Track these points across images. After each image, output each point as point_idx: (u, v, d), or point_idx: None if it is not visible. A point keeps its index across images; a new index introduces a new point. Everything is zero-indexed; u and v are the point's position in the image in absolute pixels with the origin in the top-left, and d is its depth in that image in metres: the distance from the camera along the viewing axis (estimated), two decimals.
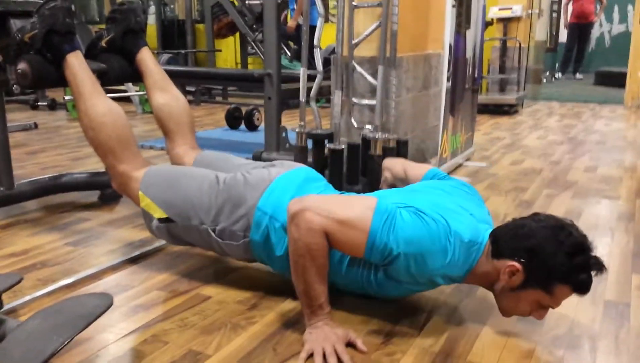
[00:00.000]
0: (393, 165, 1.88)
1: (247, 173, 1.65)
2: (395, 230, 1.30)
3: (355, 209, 1.35)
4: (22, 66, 1.87)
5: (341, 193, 1.68)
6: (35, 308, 1.53)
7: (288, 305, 1.57)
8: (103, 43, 2.07)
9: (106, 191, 2.51)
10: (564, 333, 1.44)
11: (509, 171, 3.22)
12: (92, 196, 2.54)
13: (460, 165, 3.32)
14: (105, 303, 1.55)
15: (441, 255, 1.31)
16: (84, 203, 2.51)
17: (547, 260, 1.29)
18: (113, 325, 1.46)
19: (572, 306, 1.57)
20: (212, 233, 1.61)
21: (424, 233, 1.30)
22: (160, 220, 1.68)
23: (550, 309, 1.37)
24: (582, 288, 1.30)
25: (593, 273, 1.29)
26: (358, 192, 2.32)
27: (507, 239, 1.36)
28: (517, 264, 1.32)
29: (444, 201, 1.44)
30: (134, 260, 1.89)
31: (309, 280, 1.33)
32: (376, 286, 1.48)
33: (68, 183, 2.46)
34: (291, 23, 5.95)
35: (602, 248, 2.02)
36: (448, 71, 2.94)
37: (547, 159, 3.53)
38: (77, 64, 1.85)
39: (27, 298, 1.59)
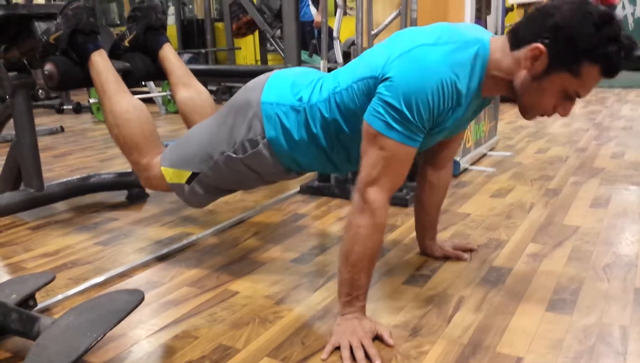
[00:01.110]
0: None
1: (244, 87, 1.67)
2: (397, 102, 1.25)
3: (371, 147, 1.31)
4: (48, 67, 1.90)
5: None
6: (67, 306, 1.57)
7: (315, 299, 1.58)
8: (126, 43, 2.09)
9: (133, 190, 2.55)
10: (594, 322, 1.42)
11: (535, 159, 3.18)
12: (120, 196, 2.58)
13: (484, 155, 3.29)
14: (136, 298, 1.58)
15: (441, 62, 1.24)
16: (113, 203, 2.55)
17: (574, 33, 1.19)
18: (144, 321, 1.49)
19: (602, 294, 1.55)
20: (234, 155, 1.59)
21: (415, 74, 1.24)
22: (188, 181, 1.69)
23: (580, 296, 1.35)
24: (612, 64, 1.21)
25: (622, 49, 1.20)
26: None
27: (527, 23, 1.27)
28: (540, 45, 1.22)
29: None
30: (162, 258, 1.91)
31: (359, 268, 1.33)
32: (426, 139, 1.39)
33: (96, 183, 2.50)
34: (317, 19, 5.94)
35: (631, 235, 1.99)
36: None
37: (572, 147, 3.48)
38: (101, 62, 1.88)
39: (60, 297, 1.63)
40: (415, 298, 1.56)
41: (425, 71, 1.25)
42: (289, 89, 1.54)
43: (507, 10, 5.37)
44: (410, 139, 1.30)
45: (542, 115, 1.35)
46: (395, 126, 1.28)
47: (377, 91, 1.31)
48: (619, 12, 10.02)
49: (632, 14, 10.26)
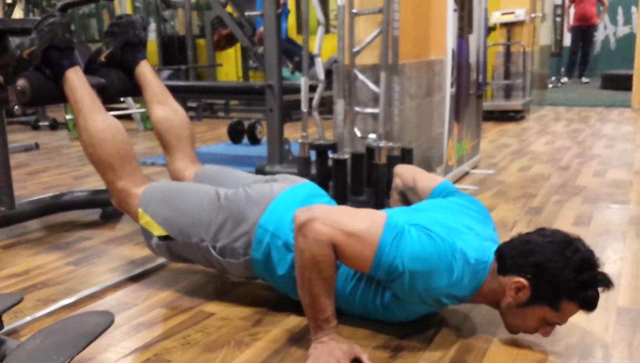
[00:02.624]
0: (403, 172, 1.84)
1: (248, 188, 1.62)
2: (402, 246, 1.28)
3: (364, 221, 1.32)
4: (21, 82, 1.86)
5: None
6: (36, 328, 1.51)
7: (292, 321, 1.54)
8: (102, 58, 2.06)
9: (107, 209, 2.49)
10: (576, 342, 1.40)
11: (517, 177, 3.18)
12: (94, 214, 2.52)
13: (467, 173, 3.28)
14: (106, 321, 1.53)
15: (447, 273, 1.29)
16: (86, 222, 2.49)
17: (554, 276, 1.27)
18: (115, 344, 1.43)
19: (583, 313, 1.52)
20: (213, 251, 1.58)
21: (431, 250, 1.28)
22: (160, 238, 1.66)
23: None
24: (589, 304, 1.29)
25: (600, 289, 1.28)
26: (363, 202, 2.29)
27: (513, 255, 1.34)
28: (523, 280, 1.30)
29: (449, 221, 1.41)
30: (135, 278, 1.86)
31: (315, 293, 1.30)
32: (381, 309, 1.44)
33: (69, 201, 2.44)
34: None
35: (614, 253, 1.98)
36: (452, 76, 2.91)
37: (555, 165, 3.49)
38: (76, 79, 1.84)
39: (28, 318, 1.57)
40: (395, 322, 1.52)
41: (440, 264, 1.29)
42: (289, 222, 1.48)
43: (490, 29, 5.42)
44: (377, 262, 1.29)
45: (525, 332, 1.41)
46: (387, 250, 1.28)
47: (410, 228, 1.31)
48: (600, 32, 10.29)
49: (614, 33, 10.47)
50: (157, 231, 1.65)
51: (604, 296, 1.59)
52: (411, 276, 1.28)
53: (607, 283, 1.28)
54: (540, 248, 1.31)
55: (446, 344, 1.40)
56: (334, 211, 1.36)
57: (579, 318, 1.49)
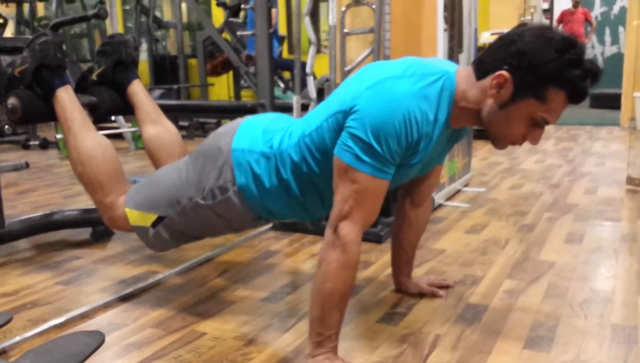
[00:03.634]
0: None
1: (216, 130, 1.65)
2: (365, 134, 1.24)
3: (342, 181, 1.29)
4: (11, 100, 1.85)
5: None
6: (25, 348, 1.48)
7: (286, 340, 1.52)
8: (94, 76, 2.05)
9: (98, 228, 2.46)
10: (571, 360, 1.39)
11: (509, 195, 3.19)
12: (84, 233, 2.50)
13: (458, 191, 3.29)
14: (96, 341, 1.51)
15: (409, 98, 1.24)
16: (76, 241, 2.46)
17: (536, 58, 1.20)
18: None
19: (579, 330, 1.53)
20: (203, 201, 1.55)
21: (383, 106, 1.24)
22: (153, 224, 1.64)
23: (557, 333, 1.33)
24: (577, 88, 1.22)
25: (587, 73, 1.21)
26: None
27: (491, 52, 1.29)
28: (504, 72, 1.23)
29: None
30: (126, 298, 1.83)
31: (330, 306, 1.29)
32: (397, 175, 1.37)
33: (59, 220, 2.42)
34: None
35: (607, 270, 1.98)
36: None
37: (546, 183, 3.50)
38: (67, 98, 1.83)
39: (17, 338, 1.54)
40: (391, 337, 1.51)
41: (392, 103, 1.24)
42: (260, 135, 1.52)
43: (480, 49, 5.48)
44: (380, 172, 1.28)
45: (513, 144, 1.35)
46: (365, 158, 1.26)
47: (346, 124, 1.29)
48: (588, 52, 10.39)
49: (602, 53, 10.63)
50: (148, 220, 1.64)
51: (599, 313, 1.62)
52: (398, 134, 1.24)
53: (593, 67, 1.21)
54: (520, 36, 1.24)
55: (441, 362, 1.38)
56: (334, 206, 1.32)
57: (574, 335, 1.50)
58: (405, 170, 1.39)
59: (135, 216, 1.66)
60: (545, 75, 1.21)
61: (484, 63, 1.29)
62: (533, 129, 1.30)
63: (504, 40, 1.28)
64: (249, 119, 1.61)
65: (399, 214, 1.75)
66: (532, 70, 1.21)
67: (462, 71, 1.34)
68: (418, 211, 1.73)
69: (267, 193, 1.51)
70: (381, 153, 1.25)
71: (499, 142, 1.37)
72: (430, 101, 1.28)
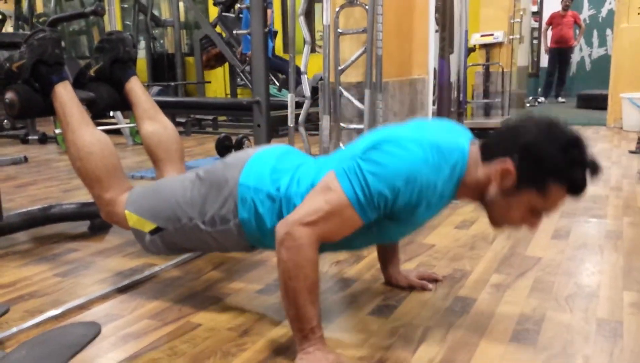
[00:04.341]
0: None
1: (225, 158, 1.66)
2: (367, 180, 1.27)
3: (326, 196, 1.31)
4: (9, 95, 1.88)
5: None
6: (22, 339, 1.51)
7: (280, 331, 1.55)
8: (92, 72, 2.08)
9: (96, 221, 2.49)
10: (557, 352, 1.42)
11: None
12: (82, 226, 2.53)
13: None
14: (92, 332, 1.54)
15: (423, 164, 1.26)
16: (74, 234, 2.49)
17: (540, 154, 1.23)
18: (102, 355, 1.44)
19: (565, 324, 1.57)
20: (203, 226, 1.58)
21: (395, 163, 1.27)
22: (151, 232, 1.66)
23: (544, 327, 1.35)
24: (577, 186, 1.25)
25: (588, 171, 1.24)
26: None
27: (497, 139, 1.32)
28: (508, 163, 1.26)
29: (411, 130, 1.38)
30: (123, 289, 1.87)
31: (301, 303, 1.31)
32: (378, 233, 1.42)
33: (57, 213, 2.45)
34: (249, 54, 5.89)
35: (592, 266, 2.03)
36: (434, 94, 2.98)
37: None
38: (65, 94, 1.86)
39: (14, 329, 1.57)
40: (381, 329, 1.55)
41: (407, 163, 1.27)
42: (268, 174, 1.51)
43: (470, 50, 5.54)
44: (362, 211, 1.30)
45: (511, 227, 1.39)
46: (358, 192, 1.28)
47: (361, 155, 1.31)
48: (576, 54, 10.53)
49: (589, 55, 10.72)
50: (147, 226, 1.66)
51: (584, 308, 1.66)
52: (394, 195, 1.27)
53: (595, 165, 1.24)
54: (526, 130, 1.27)
55: (430, 354, 1.42)
56: (303, 207, 1.34)
57: (559, 328, 1.53)
58: (397, 225, 1.41)
59: (134, 220, 1.69)
60: (548, 172, 1.24)
61: (491, 148, 1.32)
62: (532, 217, 1.33)
63: (510, 130, 1.32)
64: (258, 153, 1.60)
65: None
66: (536, 165, 1.25)
67: (473, 150, 1.36)
68: None
69: (268, 232, 1.52)
70: (375, 198, 1.28)
71: (498, 224, 1.40)
72: (443, 174, 1.30)
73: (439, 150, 1.29)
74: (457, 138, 1.37)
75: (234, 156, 1.63)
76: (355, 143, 1.45)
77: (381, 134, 1.37)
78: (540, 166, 1.24)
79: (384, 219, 1.37)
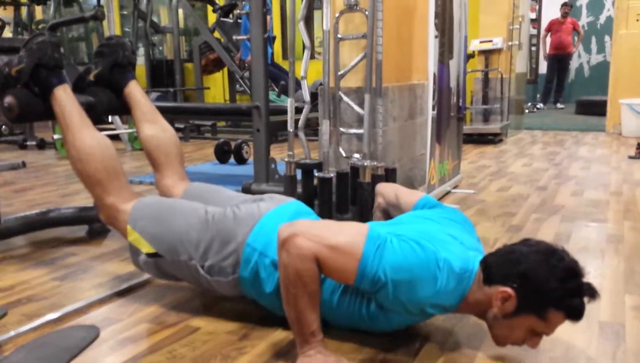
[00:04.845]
0: (385, 190, 1.88)
1: (236, 207, 1.63)
2: (385, 257, 1.30)
3: (346, 234, 1.34)
4: (8, 99, 1.87)
5: None
6: (20, 343, 1.50)
7: (279, 335, 1.54)
8: (91, 77, 2.06)
9: (94, 225, 2.48)
10: (560, 355, 1.42)
11: (497, 197, 3.23)
12: (80, 231, 2.51)
13: (448, 192, 3.34)
14: (91, 335, 1.53)
15: (431, 282, 1.30)
16: (72, 238, 2.48)
17: (540, 285, 1.28)
18: (100, 359, 1.43)
19: (566, 328, 1.54)
20: (201, 269, 1.58)
21: (413, 260, 1.30)
22: (149, 255, 1.66)
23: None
24: (575, 313, 1.29)
25: (586, 299, 1.28)
26: (348, 220, 2.32)
27: (498, 265, 1.35)
28: (509, 290, 1.30)
29: (434, 231, 1.44)
30: (121, 293, 1.86)
31: (301, 308, 1.31)
32: (368, 319, 1.46)
33: (55, 218, 2.44)
34: (248, 60, 5.85)
35: (594, 269, 2.02)
36: (433, 99, 2.98)
37: (533, 185, 3.55)
38: (65, 97, 1.85)
39: (12, 333, 1.56)
40: (382, 333, 1.53)
41: (421, 272, 1.30)
42: (276, 240, 1.47)
43: (469, 56, 5.55)
44: (360, 271, 1.31)
45: (512, 344, 1.41)
46: (372, 250, 1.30)
47: (392, 238, 1.33)
48: (575, 60, 10.58)
49: (588, 62, 10.76)
50: (146, 248, 1.66)
51: (586, 311, 1.64)
52: (394, 287, 1.30)
53: (592, 292, 1.28)
54: (525, 258, 1.32)
55: (431, 358, 1.41)
56: (316, 225, 1.38)
57: (562, 332, 1.51)
58: (385, 316, 1.43)
59: (134, 236, 1.68)
60: (547, 300, 1.29)
61: (491, 271, 1.35)
62: (533, 337, 1.36)
63: (510, 256, 1.36)
64: (271, 213, 1.59)
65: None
66: (535, 294, 1.29)
67: (479, 271, 1.38)
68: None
69: (265, 295, 1.53)
70: (381, 279, 1.30)
71: (500, 342, 1.42)
72: (450, 297, 1.35)
73: (453, 274, 1.33)
74: (471, 252, 1.41)
75: (246, 210, 1.61)
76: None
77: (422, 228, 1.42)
78: (540, 296, 1.29)
79: (378, 305, 1.40)
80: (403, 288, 1.31)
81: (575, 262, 1.32)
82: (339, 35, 2.55)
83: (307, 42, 2.54)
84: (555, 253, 1.32)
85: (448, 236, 1.44)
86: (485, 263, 1.37)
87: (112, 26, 4.28)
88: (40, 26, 7.03)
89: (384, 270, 1.29)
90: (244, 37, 4.93)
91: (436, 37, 2.95)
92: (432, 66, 2.92)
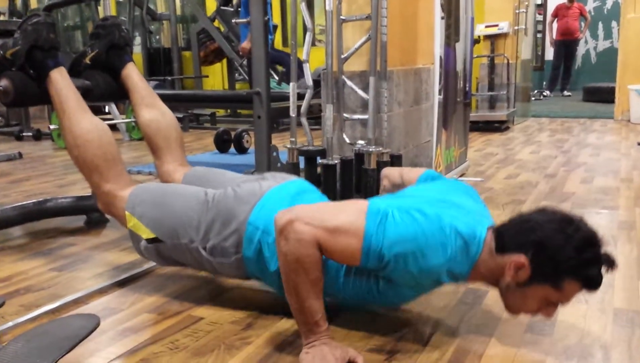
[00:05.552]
0: (391, 172, 1.83)
1: (237, 186, 1.58)
2: (388, 231, 1.24)
3: (346, 214, 1.28)
4: (3, 82, 1.81)
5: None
6: (18, 334, 1.45)
7: (284, 324, 1.50)
8: (87, 60, 2.01)
9: (92, 215, 2.44)
10: (574, 343, 1.38)
11: (505, 185, 3.18)
12: (79, 221, 2.47)
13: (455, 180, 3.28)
14: (91, 324, 1.49)
15: (441, 249, 1.24)
16: (70, 228, 2.43)
17: (555, 254, 1.22)
18: (101, 349, 1.38)
19: (581, 315, 1.52)
20: (203, 251, 1.53)
21: (417, 230, 1.24)
22: (149, 241, 1.61)
23: (559, 318, 1.31)
24: (592, 283, 1.24)
25: (603, 268, 1.23)
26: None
27: (512, 233, 1.29)
28: (523, 258, 1.25)
29: (437, 198, 1.38)
30: (122, 283, 1.81)
31: (303, 296, 1.25)
32: (377, 295, 1.40)
33: (53, 208, 2.39)
34: (245, 45, 5.77)
35: None
36: (439, 83, 2.92)
37: (542, 173, 3.50)
38: (60, 80, 1.80)
39: (10, 324, 1.51)
40: (391, 321, 1.50)
41: (426, 240, 1.24)
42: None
43: (475, 41, 5.48)
44: (365, 249, 1.25)
45: (526, 314, 1.37)
46: (375, 226, 1.25)
47: (393, 211, 1.27)
48: (581, 47, 10.50)
49: (595, 48, 10.67)
50: (145, 233, 1.61)
51: (600, 298, 1.61)
52: (403, 259, 1.24)
53: (610, 262, 1.23)
54: (541, 226, 1.26)
55: (442, 346, 1.37)
56: (314, 208, 1.33)
57: (576, 319, 1.49)
58: (393, 288, 1.38)
59: (134, 222, 1.63)
60: (562, 270, 1.23)
61: (504, 239, 1.30)
62: (547, 307, 1.31)
63: (524, 225, 1.29)
64: (273, 191, 1.54)
65: None
66: (550, 263, 1.24)
67: (488, 236, 1.32)
68: None
69: (269, 273, 1.48)
70: (387, 254, 1.24)
71: (513, 312, 1.37)
72: (460, 263, 1.29)
73: (460, 239, 1.27)
74: (477, 223, 1.34)
75: (247, 189, 1.56)
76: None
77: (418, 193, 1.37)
78: (555, 265, 1.24)
79: (387, 280, 1.35)
80: (411, 260, 1.24)
81: (593, 232, 1.25)
82: (342, 17, 2.49)
83: (310, 24, 2.48)
84: (573, 222, 1.25)
85: (452, 203, 1.37)
86: (498, 231, 1.31)
87: (108, 12, 4.22)
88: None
89: (390, 244, 1.23)
90: (244, 20, 4.86)
91: (442, 18, 2.88)
92: (438, 49, 2.86)
